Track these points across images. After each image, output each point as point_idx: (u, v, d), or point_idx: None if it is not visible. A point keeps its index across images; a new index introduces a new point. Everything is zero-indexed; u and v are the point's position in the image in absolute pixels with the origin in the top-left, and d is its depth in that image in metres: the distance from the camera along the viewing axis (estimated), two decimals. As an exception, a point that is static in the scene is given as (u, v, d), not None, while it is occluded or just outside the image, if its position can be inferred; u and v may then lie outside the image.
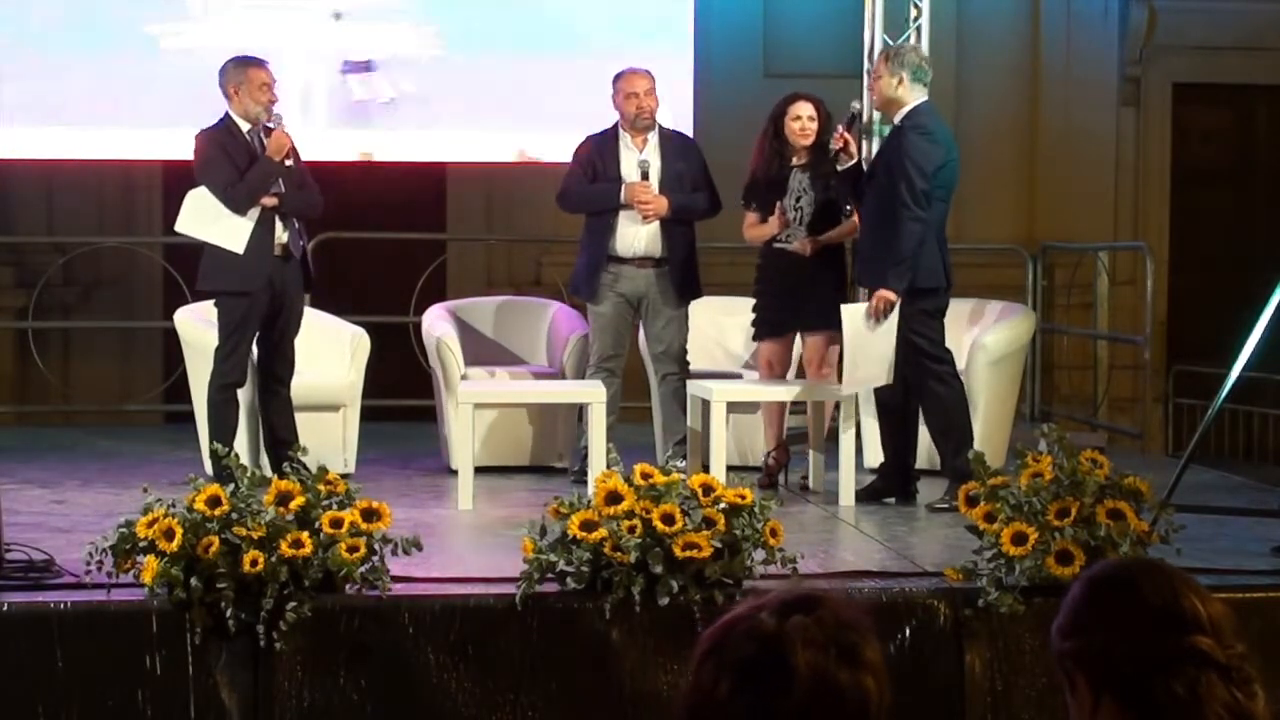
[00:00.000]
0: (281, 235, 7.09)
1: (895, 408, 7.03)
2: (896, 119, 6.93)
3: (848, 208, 7.30)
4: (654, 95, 7.55)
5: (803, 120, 7.24)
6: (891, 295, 6.74)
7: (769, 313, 7.38)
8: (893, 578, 5.29)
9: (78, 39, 9.44)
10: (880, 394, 7.09)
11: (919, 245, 6.72)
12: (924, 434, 7.18)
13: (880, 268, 6.82)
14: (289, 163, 7.13)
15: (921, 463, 7.26)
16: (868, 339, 6.81)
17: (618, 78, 7.63)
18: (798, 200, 7.28)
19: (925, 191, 6.69)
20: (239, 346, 7.08)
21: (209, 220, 7.04)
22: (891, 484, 7.05)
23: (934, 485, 6.97)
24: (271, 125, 7.07)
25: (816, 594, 1.96)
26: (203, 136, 7.15)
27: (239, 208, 7.01)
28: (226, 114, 7.14)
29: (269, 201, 7.05)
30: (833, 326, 7.33)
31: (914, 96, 6.88)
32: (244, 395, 7.27)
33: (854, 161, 7.04)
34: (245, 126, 7.10)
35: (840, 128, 7.01)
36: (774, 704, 1.88)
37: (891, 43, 9.13)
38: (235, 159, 7.05)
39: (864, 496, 6.97)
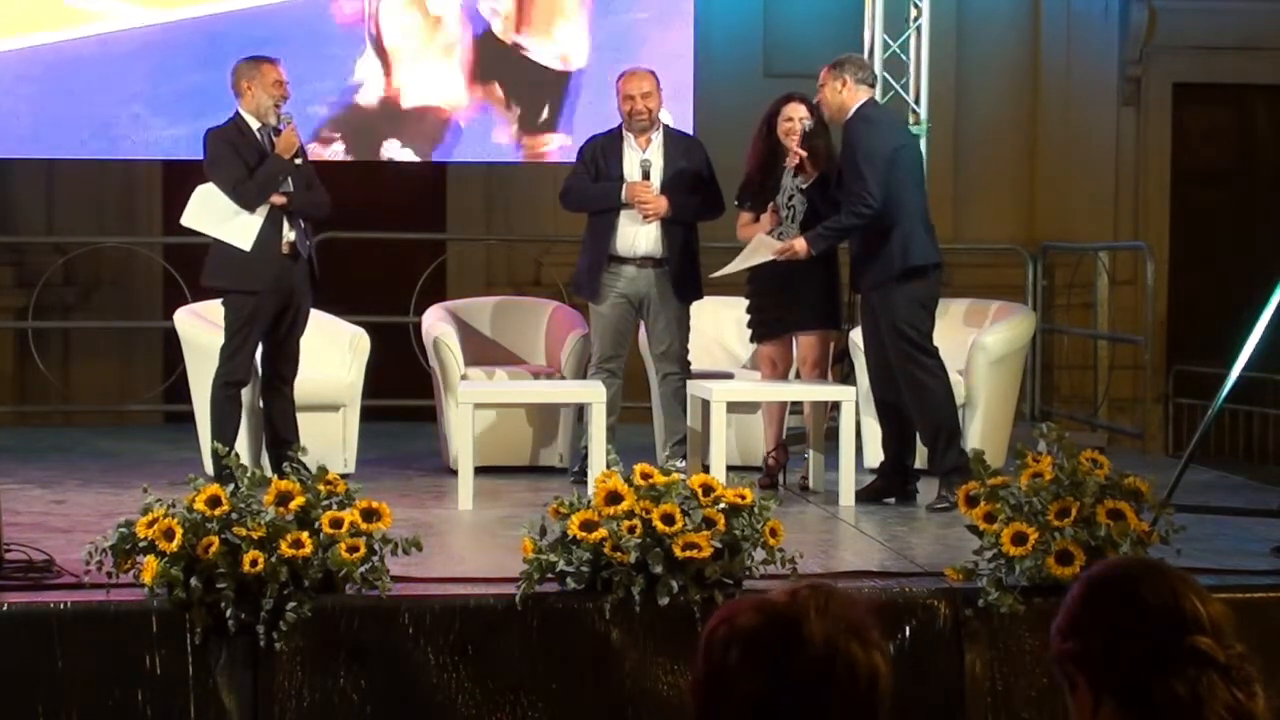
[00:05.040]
0: (289, 234, 7.11)
1: (895, 408, 7.03)
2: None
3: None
4: (654, 97, 7.54)
5: (794, 122, 7.25)
6: (802, 251, 6.94)
7: (764, 314, 7.38)
8: (893, 578, 5.29)
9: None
10: (879, 393, 7.09)
11: (861, 231, 6.83)
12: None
13: (874, 269, 6.85)
14: (298, 161, 7.15)
15: (920, 462, 7.25)
16: (756, 253, 7.08)
17: (619, 78, 7.63)
18: (790, 199, 7.30)
19: (880, 179, 6.73)
20: (244, 345, 7.08)
21: (217, 216, 7.04)
22: (891, 484, 7.05)
23: (934, 485, 6.97)
24: (280, 126, 7.08)
25: (823, 584, 1.97)
26: (212, 134, 7.18)
27: (248, 205, 7.03)
28: (236, 112, 7.17)
29: (278, 200, 7.06)
30: (827, 326, 7.37)
31: (860, 98, 6.96)
32: (245, 394, 7.27)
33: (815, 176, 7.15)
34: (255, 125, 7.12)
35: (794, 145, 7.12)
36: (787, 670, 1.87)
37: (891, 42, 9.18)
38: (245, 156, 7.07)
39: (863, 497, 6.97)
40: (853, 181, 6.79)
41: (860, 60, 7.31)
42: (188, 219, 7.15)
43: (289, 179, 7.11)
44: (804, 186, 7.18)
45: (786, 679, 1.87)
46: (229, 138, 7.11)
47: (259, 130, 7.13)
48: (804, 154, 7.12)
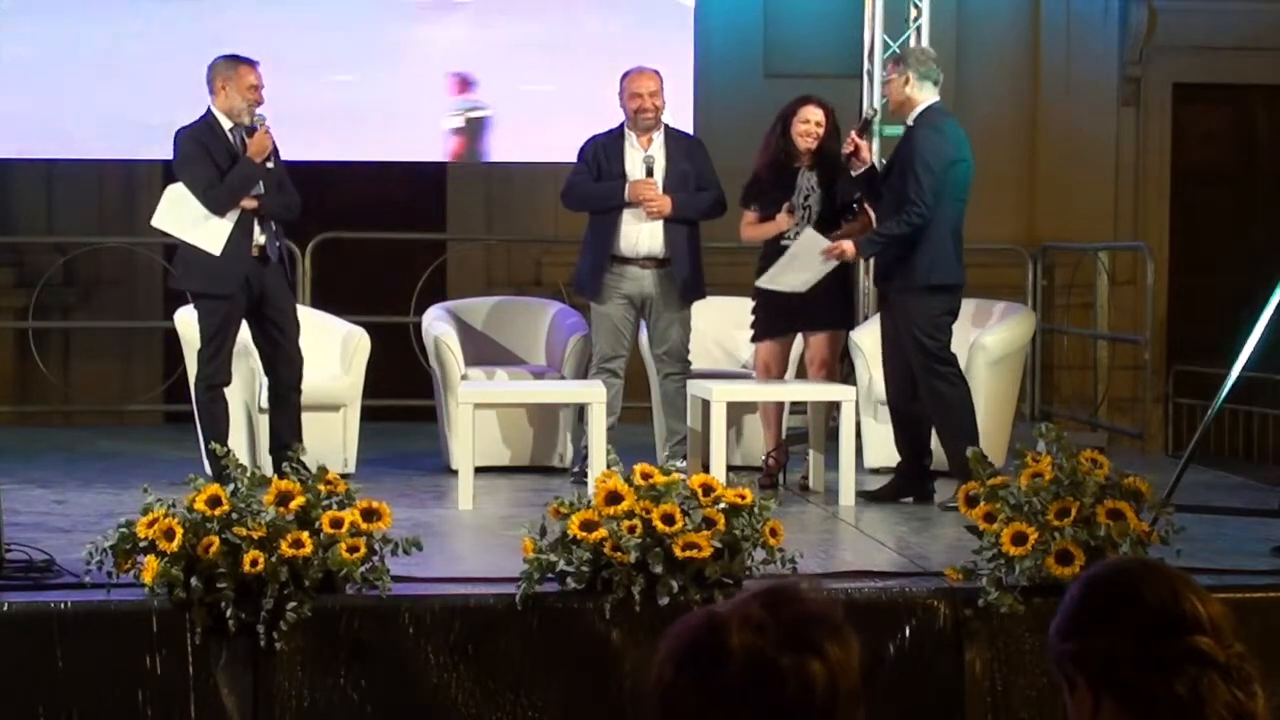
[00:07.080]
0: (259, 237, 7.04)
1: (904, 410, 7.00)
2: (910, 119, 6.94)
3: (853, 208, 7.31)
4: (660, 96, 7.54)
5: (810, 125, 7.23)
6: (851, 252, 6.98)
7: (772, 312, 7.35)
8: (892, 578, 5.28)
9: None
10: (893, 395, 7.05)
11: (908, 239, 6.75)
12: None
13: (899, 275, 6.84)
14: (270, 164, 7.09)
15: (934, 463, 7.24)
16: (805, 259, 7.01)
17: (625, 76, 7.61)
18: (805, 199, 7.28)
19: (935, 189, 6.70)
20: (222, 349, 7.04)
21: (188, 219, 6.98)
22: (909, 484, 7.03)
23: (952, 485, 6.96)
24: (254, 126, 7.03)
25: (786, 587, 1.94)
26: (183, 134, 7.08)
27: (219, 209, 6.96)
28: (209, 110, 7.08)
29: (249, 204, 7.00)
30: (836, 326, 7.35)
31: (925, 96, 6.89)
32: (243, 396, 7.27)
33: (867, 166, 7.02)
34: (227, 125, 7.05)
35: (853, 132, 7.01)
36: (711, 684, 1.87)
37: (891, 43, 9.17)
38: (216, 158, 6.99)
39: (880, 496, 6.97)
40: (910, 187, 6.73)
41: (923, 53, 7.16)
42: (158, 221, 7.09)
43: (260, 182, 7.05)
44: (855, 175, 7.06)
45: (711, 693, 1.87)
46: (200, 137, 7.02)
47: (231, 130, 7.05)
48: (862, 143, 6.96)
